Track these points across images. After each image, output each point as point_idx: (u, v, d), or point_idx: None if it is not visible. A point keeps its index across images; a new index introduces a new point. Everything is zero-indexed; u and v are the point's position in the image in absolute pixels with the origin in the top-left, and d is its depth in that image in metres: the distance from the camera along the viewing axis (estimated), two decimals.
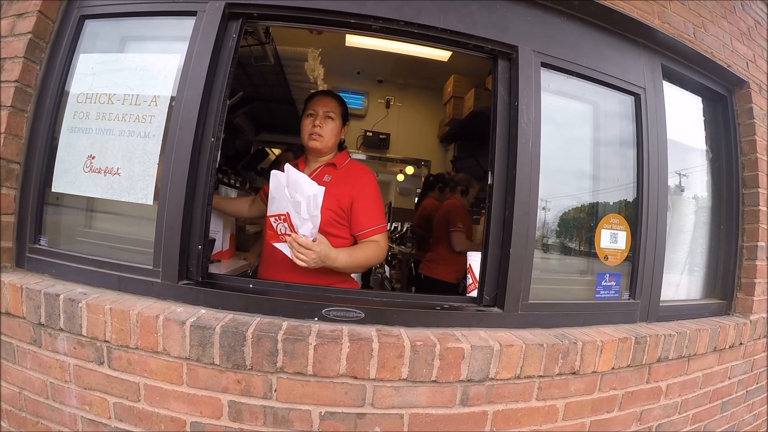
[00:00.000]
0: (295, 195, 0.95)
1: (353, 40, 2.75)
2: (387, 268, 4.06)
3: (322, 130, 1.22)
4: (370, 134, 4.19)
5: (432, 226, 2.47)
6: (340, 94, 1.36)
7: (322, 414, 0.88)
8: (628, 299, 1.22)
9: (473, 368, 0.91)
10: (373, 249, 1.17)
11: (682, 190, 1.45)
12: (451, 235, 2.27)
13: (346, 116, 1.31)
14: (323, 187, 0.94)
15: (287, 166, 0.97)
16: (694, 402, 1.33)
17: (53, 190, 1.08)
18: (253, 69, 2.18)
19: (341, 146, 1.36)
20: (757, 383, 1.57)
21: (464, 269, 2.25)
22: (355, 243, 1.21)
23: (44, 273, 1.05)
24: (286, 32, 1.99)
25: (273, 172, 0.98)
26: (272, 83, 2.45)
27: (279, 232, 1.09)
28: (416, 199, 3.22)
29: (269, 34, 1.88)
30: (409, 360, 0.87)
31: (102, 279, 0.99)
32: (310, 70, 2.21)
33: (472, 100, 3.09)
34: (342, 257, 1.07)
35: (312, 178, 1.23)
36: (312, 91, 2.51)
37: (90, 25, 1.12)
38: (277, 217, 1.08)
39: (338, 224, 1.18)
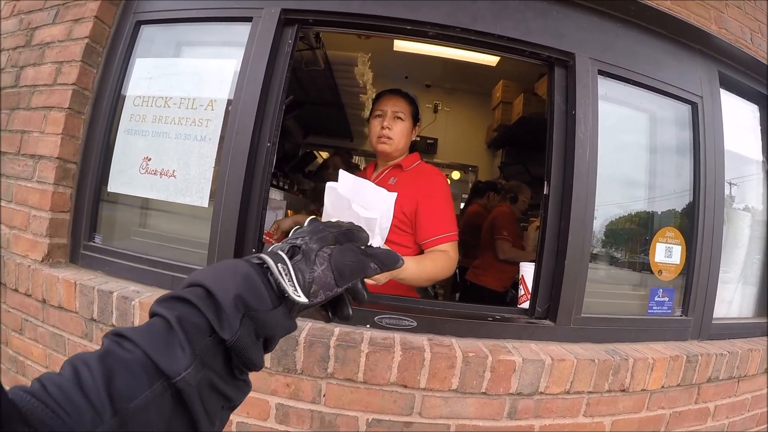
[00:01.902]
0: (361, 208, 0.76)
1: (401, 45, 2.72)
2: None
3: (391, 132, 1.12)
4: (418, 139, 4.08)
5: (476, 232, 2.45)
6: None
7: (369, 421, 0.87)
8: (681, 316, 1.17)
9: (523, 382, 0.89)
10: (442, 260, 1.01)
11: (738, 203, 1.39)
12: (496, 243, 2.23)
13: (416, 116, 1.20)
14: (395, 193, 0.80)
15: (342, 173, 0.80)
16: (741, 425, 1.27)
17: (109, 190, 1.11)
18: (303, 73, 2.18)
19: (413, 148, 1.26)
20: None
21: (510, 278, 2.25)
22: (421, 252, 1.09)
23: (97, 270, 1.09)
24: (336, 37, 2.00)
25: (329, 185, 0.77)
26: (322, 87, 2.45)
27: None
28: (462, 204, 3.14)
29: (319, 38, 1.89)
30: (460, 371, 0.85)
31: (155, 278, 1.01)
32: (360, 75, 2.21)
33: (520, 106, 3.01)
34: (410, 267, 0.93)
35: (377, 182, 1.16)
36: (361, 95, 2.50)
37: (146, 30, 1.15)
38: None
39: (400, 231, 1.08)
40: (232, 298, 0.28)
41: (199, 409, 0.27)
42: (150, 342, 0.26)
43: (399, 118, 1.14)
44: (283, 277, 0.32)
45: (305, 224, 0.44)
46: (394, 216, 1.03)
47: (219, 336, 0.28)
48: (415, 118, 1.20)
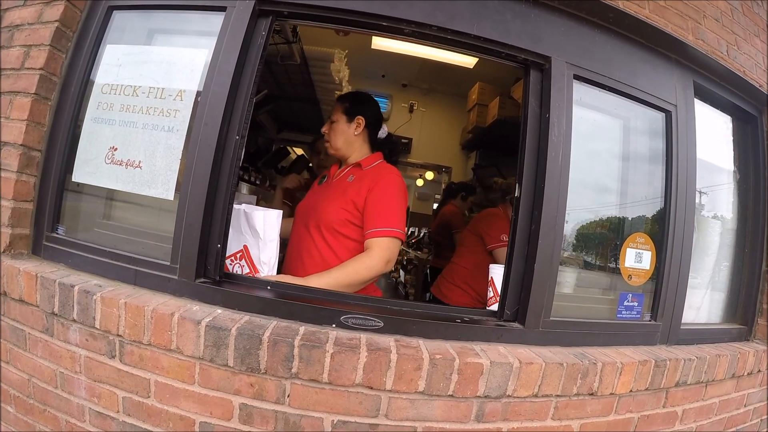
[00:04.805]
0: (252, 223, 1.01)
1: (379, 43, 2.71)
2: (402, 273, 4.01)
3: (328, 135, 1.25)
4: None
5: (449, 233, 2.33)
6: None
7: (335, 422, 0.86)
8: (650, 321, 1.18)
9: (491, 384, 0.88)
10: (359, 261, 1.04)
11: (708, 211, 1.41)
12: (495, 253, 1.74)
13: (352, 111, 1.22)
14: (280, 210, 1.02)
15: (235, 208, 1.02)
16: (709, 428, 1.30)
17: (73, 179, 1.07)
18: (278, 67, 2.17)
19: (377, 148, 1.31)
20: None
21: (481, 293, 2.06)
22: None
23: (60, 262, 1.05)
24: (313, 32, 1.97)
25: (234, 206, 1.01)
26: (297, 82, 2.44)
27: None
28: (434, 205, 3.17)
29: (296, 33, 1.87)
30: (427, 373, 0.85)
31: (118, 272, 0.98)
32: (336, 71, 2.20)
33: (496, 109, 3.03)
34: (313, 282, 1.02)
35: (337, 179, 1.25)
36: (337, 92, 2.50)
37: (118, 16, 1.11)
38: (233, 258, 1.05)
39: (351, 224, 1.12)
40: None
41: None
42: None
43: (333, 121, 1.24)
44: None
45: None
46: (345, 210, 1.13)
47: None
48: (351, 113, 1.23)
